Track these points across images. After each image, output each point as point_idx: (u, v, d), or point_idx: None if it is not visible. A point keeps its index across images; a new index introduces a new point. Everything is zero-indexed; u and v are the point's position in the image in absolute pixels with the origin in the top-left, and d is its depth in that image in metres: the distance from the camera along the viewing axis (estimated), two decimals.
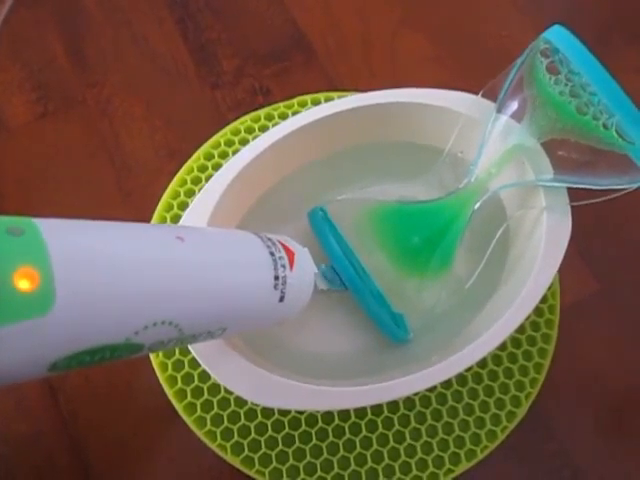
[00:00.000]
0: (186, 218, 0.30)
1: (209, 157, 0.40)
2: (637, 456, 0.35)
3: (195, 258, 0.22)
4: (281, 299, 0.26)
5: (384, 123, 0.35)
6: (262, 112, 0.41)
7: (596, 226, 0.39)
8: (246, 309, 0.25)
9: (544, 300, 0.36)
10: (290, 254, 0.27)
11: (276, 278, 0.25)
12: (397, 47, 0.45)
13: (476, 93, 0.34)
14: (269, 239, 0.27)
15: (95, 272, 0.18)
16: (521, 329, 0.35)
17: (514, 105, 0.31)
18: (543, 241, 0.31)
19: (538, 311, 0.36)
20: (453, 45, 0.45)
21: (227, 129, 0.41)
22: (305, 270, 0.28)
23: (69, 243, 0.18)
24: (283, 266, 0.26)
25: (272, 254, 0.26)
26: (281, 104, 0.41)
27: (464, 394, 0.34)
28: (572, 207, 0.32)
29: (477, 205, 0.33)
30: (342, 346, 0.33)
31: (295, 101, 0.41)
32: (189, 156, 0.40)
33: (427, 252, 0.34)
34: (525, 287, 0.30)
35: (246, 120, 0.41)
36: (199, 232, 0.24)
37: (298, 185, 0.36)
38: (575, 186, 0.31)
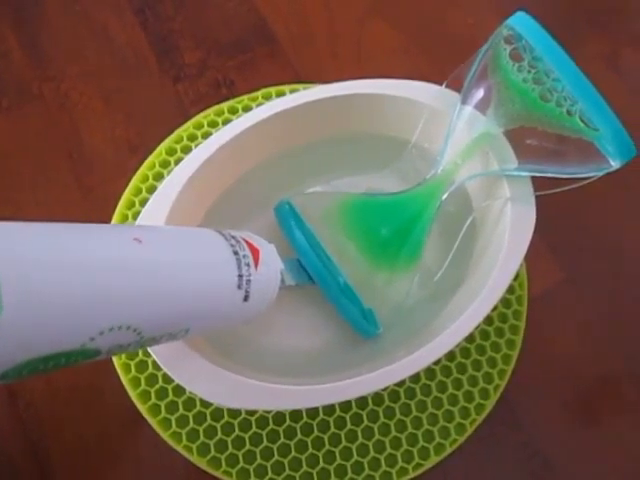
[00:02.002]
0: (143, 216, 0.29)
1: (171, 152, 0.39)
2: (605, 444, 0.35)
3: (153, 260, 0.21)
4: (245, 298, 0.25)
5: (349, 115, 0.34)
6: (226, 105, 0.40)
7: (561, 215, 0.39)
8: (209, 310, 0.24)
9: (511, 291, 0.36)
10: (255, 251, 0.26)
11: (240, 277, 0.25)
12: (363, 37, 0.44)
13: (443, 82, 0.34)
14: (233, 237, 0.26)
15: (45, 277, 0.17)
16: (489, 321, 0.35)
17: (479, 94, 0.31)
18: (508, 232, 0.31)
19: (506, 302, 0.36)
20: (420, 34, 0.44)
21: (190, 123, 0.40)
22: (270, 267, 0.27)
23: (17, 246, 0.17)
24: (247, 264, 0.25)
25: (235, 252, 0.25)
26: (245, 97, 0.41)
27: (433, 388, 0.34)
28: (538, 197, 0.32)
29: (444, 196, 0.32)
30: (310, 343, 0.33)
31: (259, 93, 0.41)
32: (151, 151, 0.39)
33: (396, 244, 0.34)
34: (491, 278, 0.30)
35: (209, 114, 0.40)
36: (158, 232, 0.24)
37: (264, 179, 0.35)
38: (540, 175, 0.31)
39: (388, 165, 0.34)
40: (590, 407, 0.37)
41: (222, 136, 0.32)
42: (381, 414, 0.33)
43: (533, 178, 0.32)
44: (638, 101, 0.44)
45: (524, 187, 0.31)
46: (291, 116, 0.33)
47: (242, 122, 0.33)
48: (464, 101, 0.32)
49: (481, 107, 0.31)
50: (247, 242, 0.26)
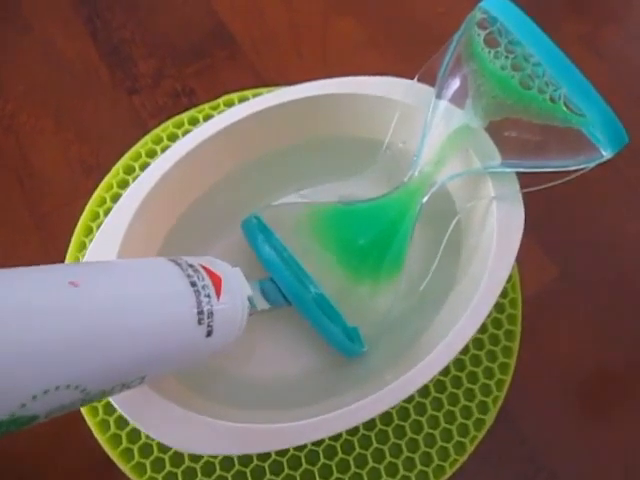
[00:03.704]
0: (91, 252, 0.26)
1: (129, 171, 0.36)
2: (613, 450, 0.33)
3: (93, 305, 0.19)
4: (208, 334, 0.23)
5: (316, 118, 0.32)
6: (185, 116, 0.37)
7: (549, 209, 0.37)
8: (166, 353, 0.21)
9: (504, 294, 0.34)
10: (216, 279, 0.23)
11: (200, 312, 0.22)
12: (328, 34, 0.42)
13: (414, 77, 0.31)
14: (190, 266, 0.23)
15: None
16: (482, 328, 0.33)
17: (454, 86, 0.28)
18: (496, 234, 0.28)
19: (499, 307, 0.34)
20: (388, 27, 0.42)
21: (148, 138, 0.37)
22: (236, 295, 0.24)
23: None
24: (208, 296, 0.22)
25: (193, 284, 0.22)
26: (206, 105, 0.38)
27: (427, 406, 0.32)
28: (525, 193, 0.29)
29: (424, 199, 0.30)
30: (290, 369, 0.30)
31: (221, 101, 0.38)
32: (107, 171, 0.36)
33: (376, 254, 0.31)
34: (481, 286, 0.27)
35: (168, 126, 0.37)
36: (99, 270, 0.21)
37: (228, 193, 0.32)
38: (527, 171, 0.29)
39: (361, 170, 0.32)
40: (594, 412, 0.34)
41: (178, 151, 0.30)
42: (374, 439, 0.31)
43: (519, 174, 0.29)
44: (621, 82, 0.42)
45: (510, 184, 0.29)
46: (253, 123, 0.30)
47: (199, 134, 0.30)
48: (439, 95, 0.29)
49: (458, 100, 0.28)
50: (207, 270, 0.23)
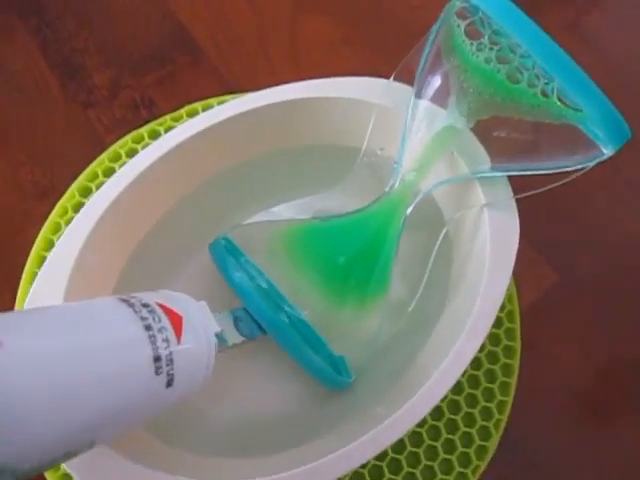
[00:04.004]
0: (33, 296, 0.23)
1: (86, 192, 0.33)
2: (632, 468, 0.31)
3: (19, 368, 0.16)
4: (169, 383, 0.19)
5: (284, 126, 0.29)
6: (145, 130, 0.34)
7: (542, 210, 0.34)
8: (118, 412, 0.18)
9: (501, 307, 0.31)
10: (176, 319, 0.20)
11: (157, 360, 0.19)
12: (298, 34, 0.39)
13: (390, 76, 0.28)
14: (145, 305, 0.20)
15: None
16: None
17: (435, 84, 0.25)
18: (489, 244, 0.25)
19: (496, 321, 0.30)
20: (360, 24, 0.39)
21: (105, 155, 0.34)
22: (200, 334, 0.21)
23: None
24: (166, 340, 0.19)
25: (148, 327, 0.19)
26: (167, 116, 0.35)
27: (424, 435, 0.29)
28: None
29: (409, 210, 0.27)
30: (270, 407, 0.27)
31: (183, 111, 0.35)
32: (62, 193, 0.33)
33: (358, 273, 0.28)
34: (477, 302, 0.24)
35: (127, 142, 0.34)
36: (32, 321, 0.18)
37: (192, 214, 0.29)
38: (519, 174, 0.26)
39: (337, 181, 0.29)
40: (603, 426, 0.32)
41: (132, 170, 0.27)
42: (367, 476, 0.28)
43: (511, 178, 0.27)
44: (610, 70, 0.40)
45: (501, 190, 0.26)
46: (214, 136, 0.27)
47: (155, 150, 0.27)
48: (418, 94, 0.27)
49: (439, 99, 0.26)
50: (165, 308, 0.20)
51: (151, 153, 0.26)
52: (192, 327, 0.21)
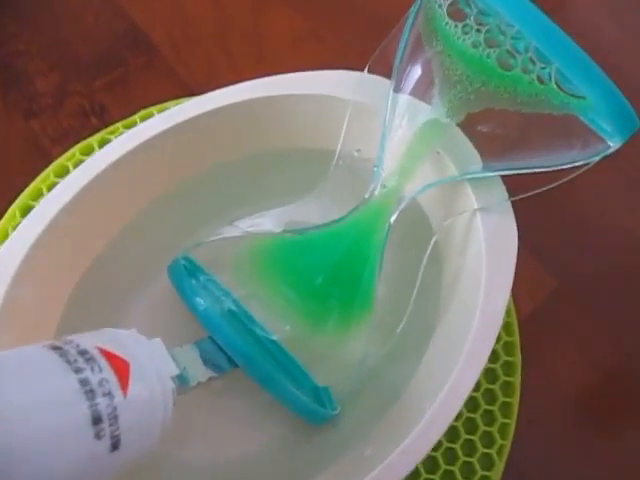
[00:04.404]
0: None
1: (28, 213, 0.29)
2: None
3: None
4: (114, 446, 0.16)
5: (246, 129, 0.25)
6: (95, 139, 0.31)
7: (542, 213, 0.31)
8: None
9: None
10: (121, 366, 0.17)
11: (97, 420, 0.16)
12: (262, 29, 0.36)
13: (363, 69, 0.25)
14: (82, 353, 0.17)
15: None
16: None
17: (416, 74, 0.23)
18: (484, 254, 0.23)
19: None
20: (328, 15, 0.36)
21: (50, 169, 0.30)
22: (153, 381, 0.18)
23: None
24: (108, 394, 0.16)
25: (85, 382, 0.16)
26: (120, 124, 0.32)
27: (421, 469, 0.26)
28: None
29: (392, 219, 0.24)
30: (245, 448, 0.24)
31: (137, 117, 0.32)
32: (2, 214, 0.29)
33: (338, 293, 0.25)
34: (475, 320, 0.22)
35: (74, 153, 0.31)
36: None
37: (147, 233, 0.26)
38: (513, 173, 0.23)
39: (310, 189, 0.26)
40: (617, 445, 0.29)
41: (73, 184, 0.23)
42: None
43: (505, 178, 0.24)
44: (598, 55, 0.37)
45: (495, 192, 0.23)
46: (163, 145, 0.24)
47: (101, 160, 0.23)
48: (397, 88, 0.24)
49: (422, 92, 0.23)
50: (108, 354, 0.17)
51: (97, 163, 0.23)
52: (142, 374, 0.17)
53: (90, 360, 0.16)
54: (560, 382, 0.30)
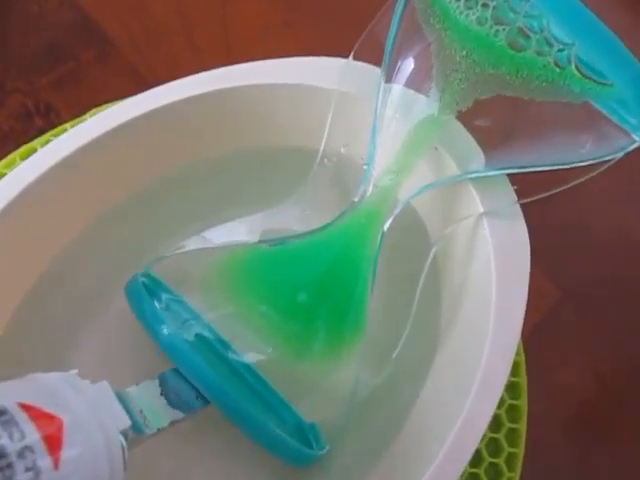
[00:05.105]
0: None
1: None
2: None
3: None
4: None
5: (216, 125, 0.22)
6: (39, 142, 0.28)
7: (544, 216, 0.29)
8: None
9: None
10: (52, 426, 0.13)
11: None
12: (230, 17, 0.33)
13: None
14: None
15: None
16: None
17: (410, 60, 0.20)
18: (494, 267, 0.20)
19: None
20: (303, 2, 0.33)
21: None
22: (96, 439, 0.14)
23: None
24: (31, 469, 0.12)
25: None
26: (68, 125, 0.28)
27: None
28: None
29: (386, 226, 0.21)
30: None
31: (88, 116, 0.28)
32: None
33: (325, 312, 0.22)
34: (485, 348, 0.18)
35: (15, 159, 0.27)
36: None
37: (101, 246, 0.22)
38: (521, 171, 0.20)
39: (290, 192, 0.22)
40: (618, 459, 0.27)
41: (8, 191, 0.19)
42: None
43: (512, 177, 0.21)
44: None
45: (502, 193, 0.21)
46: (115, 146, 0.20)
47: (39, 163, 0.20)
48: (389, 77, 0.21)
49: (418, 78, 0.20)
50: (34, 411, 0.13)
51: (27, 172, 0.19)
52: (80, 432, 0.14)
53: (8, 423, 0.13)
54: (567, 402, 0.28)
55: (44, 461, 0.12)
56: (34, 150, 0.27)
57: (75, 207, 0.21)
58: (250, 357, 0.22)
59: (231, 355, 0.22)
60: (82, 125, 0.20)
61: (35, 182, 0.19)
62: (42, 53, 0.31)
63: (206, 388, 0.20)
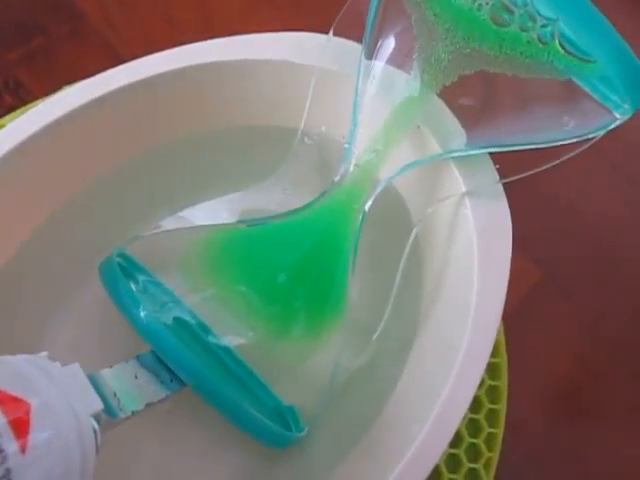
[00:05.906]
0: None
1: None
2: None
3: None
4: None
5: (193, 102, 0.21)
6: (8, 120, 0.26)
7: (525, 198, 0.28)
8: None
9: None
10: (18, 410, 0.13)
11: None
12: None
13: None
14: None
15: None
16: None
17: (392, 33, 0.19)
18: (475, 247, 0.19)
19: None
20: None
21: None
22: (66, 423, 0.14)
23: None
24: None
25: None
26: (39, 101, 0.27)
27: None
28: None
29: (367, 205, 0.20)
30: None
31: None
32: None
33: (305, 293, 0.22)
34: (467, 328, 0.18)
35: None
36: None
37: (72, 228, 0.22)
38: (504, 150, 0.20)
39: (269, 171, 0.22)
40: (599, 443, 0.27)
41: None
42: None
43: (494, 156, 0.20)
44: None
45: (484, 172, 0.20)
46: (97, 116, 0.20)
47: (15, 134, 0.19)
48: (370, 54, 0.20)
49: (400, 58, 0.19)
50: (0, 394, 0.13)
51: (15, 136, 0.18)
52: (49, 416, 0.13)
53: None
54: (546, 382, 0.28)
55: (10, 445, 0.12)
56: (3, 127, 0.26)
57: (45, 189, 0.20)
58: (229, 340, 0.21)
59: (210, 338, 0.21)
60: (50, 100, 0.19)
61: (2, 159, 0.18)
62: (11, 27, 0.29)
63: (182, 369, 0.19)
